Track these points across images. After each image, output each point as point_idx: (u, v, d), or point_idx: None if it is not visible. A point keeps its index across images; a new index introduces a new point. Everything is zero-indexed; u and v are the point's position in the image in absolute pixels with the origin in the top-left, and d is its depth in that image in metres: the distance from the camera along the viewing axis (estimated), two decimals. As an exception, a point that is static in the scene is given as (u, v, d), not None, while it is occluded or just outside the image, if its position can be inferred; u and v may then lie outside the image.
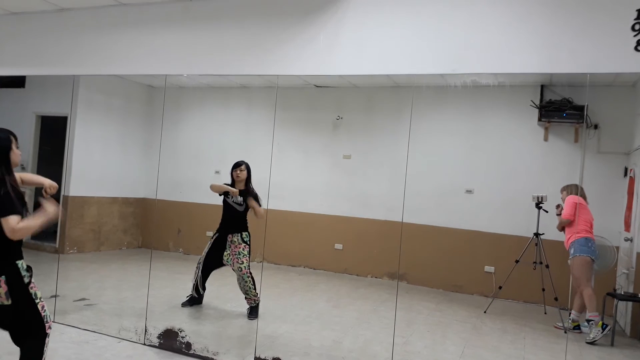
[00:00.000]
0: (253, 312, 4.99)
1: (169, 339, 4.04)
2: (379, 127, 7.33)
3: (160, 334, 4.10)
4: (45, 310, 2.77)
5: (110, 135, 8.00)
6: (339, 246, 7.47)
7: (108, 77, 7.38)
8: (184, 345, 3.98)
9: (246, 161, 5.16)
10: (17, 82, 7.54)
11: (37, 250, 7.23)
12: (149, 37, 4.51)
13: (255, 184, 5.17)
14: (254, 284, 4.96)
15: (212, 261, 5.08)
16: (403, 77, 4.56)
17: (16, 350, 3.77)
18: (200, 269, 5.10)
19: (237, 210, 5.06)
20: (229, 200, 5.08)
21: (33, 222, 2.64)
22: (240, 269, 4.93)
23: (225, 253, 5.04)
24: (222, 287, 5.55)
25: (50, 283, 4.76)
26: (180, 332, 4.06)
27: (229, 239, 5.03)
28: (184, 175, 8.21)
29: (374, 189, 7.29)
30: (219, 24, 4.25)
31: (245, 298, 5.03)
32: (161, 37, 4.46)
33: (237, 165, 5.13)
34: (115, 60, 4.65)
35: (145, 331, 4.15)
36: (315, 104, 7.70)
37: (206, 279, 5.13)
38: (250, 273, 4.97)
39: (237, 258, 4.96)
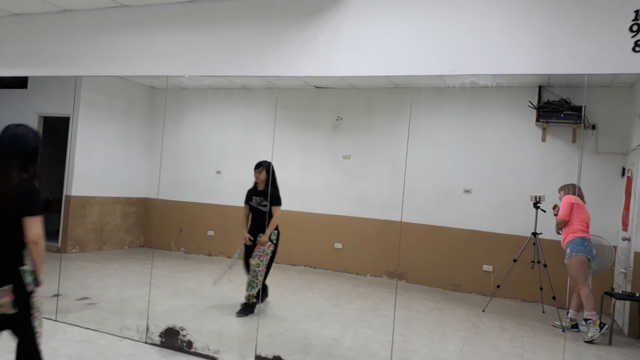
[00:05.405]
0: (245, 309, 4.97)
1: (171, 338, 4.08)
2: (379, 128, 7.36)
3: (161, 333, 4.13)
4: (35, 320, 2.67)
5: (112, 135, 8.05)
6: (338, 245, 7.50)
7: (110, 78, 7.42)
8: (185, 344, 4.02)
9: (269, 161, 5.08)
10: (20, 82, 7.59)
11: (39, 250, 7.26)
12: (150, 39, 4.54)
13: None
14: (259, 284, 4.93)
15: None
16: (402, 78, 4.59)
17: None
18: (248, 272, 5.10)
19: (262, 211, 5.10)
20: (253, 204, 5.15)
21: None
22: (258, 265, 4.95)
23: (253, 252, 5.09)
24: (223, 285, 5.59)
25: (52, 282, 4.79)
26: (182, 330, 4.09)
27: (258, 239, 5.09)
28: (186, 175, 8.27)
29: (374, 188, 7.32)
30: (220, 26, 4.28)
31: (246, 292, 5.00)
32: (162, 38, 4.49)
33: (256, 167, 5.16)
34: (117, 61, 4.69)
35: (147, 330, 4.18)
36: (315, 105, 7.74)
37: None
38: (265, 275, 5.01)
39: (259, 253, 4.99)
